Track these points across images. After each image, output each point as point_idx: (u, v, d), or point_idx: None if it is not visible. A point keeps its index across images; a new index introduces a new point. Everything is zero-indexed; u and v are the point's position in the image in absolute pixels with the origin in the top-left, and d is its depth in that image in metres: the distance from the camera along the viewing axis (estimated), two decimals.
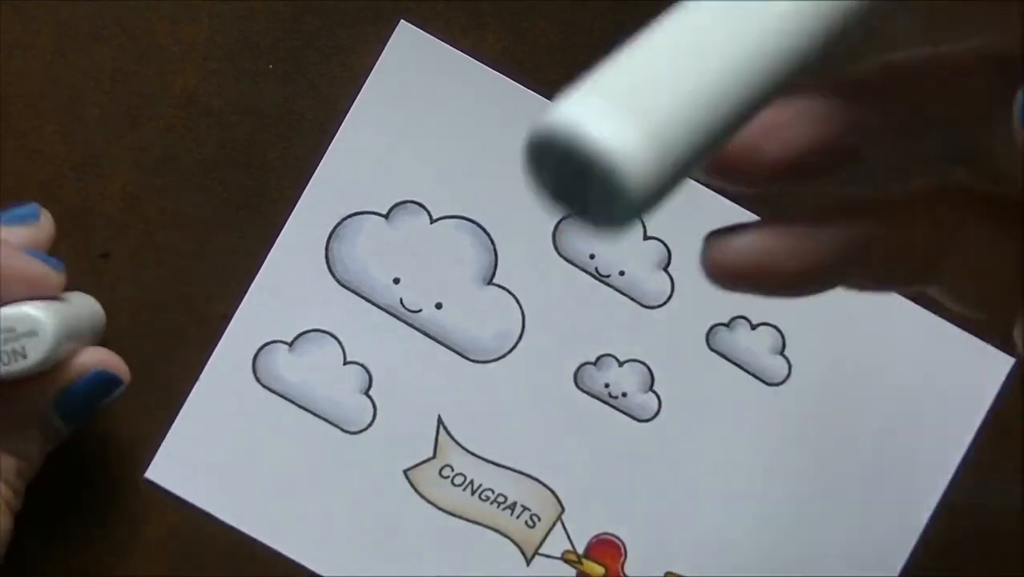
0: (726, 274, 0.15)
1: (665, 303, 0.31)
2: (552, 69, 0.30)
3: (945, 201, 0.15)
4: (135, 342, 0.29)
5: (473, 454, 0.30)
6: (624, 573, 0.30)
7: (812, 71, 0.13)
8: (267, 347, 0.30)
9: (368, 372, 0.30)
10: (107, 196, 0.30)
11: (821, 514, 0.31)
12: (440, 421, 0.30)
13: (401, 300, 0.30)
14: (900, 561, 0.31)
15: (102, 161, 0.30)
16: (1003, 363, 0.31)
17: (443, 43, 0.30)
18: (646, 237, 0.31)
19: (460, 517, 0.30)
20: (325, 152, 0.30)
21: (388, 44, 0.30)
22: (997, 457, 0.31)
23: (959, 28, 0.15)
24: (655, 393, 0.30)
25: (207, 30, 0.30)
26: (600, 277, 0.30)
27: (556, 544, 0.30)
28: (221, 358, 0.30)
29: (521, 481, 0.30)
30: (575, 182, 0.12)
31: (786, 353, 0.31)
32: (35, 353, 0.24)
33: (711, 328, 0.31)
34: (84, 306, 0.28)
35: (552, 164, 0.12)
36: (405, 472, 0.30)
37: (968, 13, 0.15)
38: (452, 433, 0.30)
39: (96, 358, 0.26)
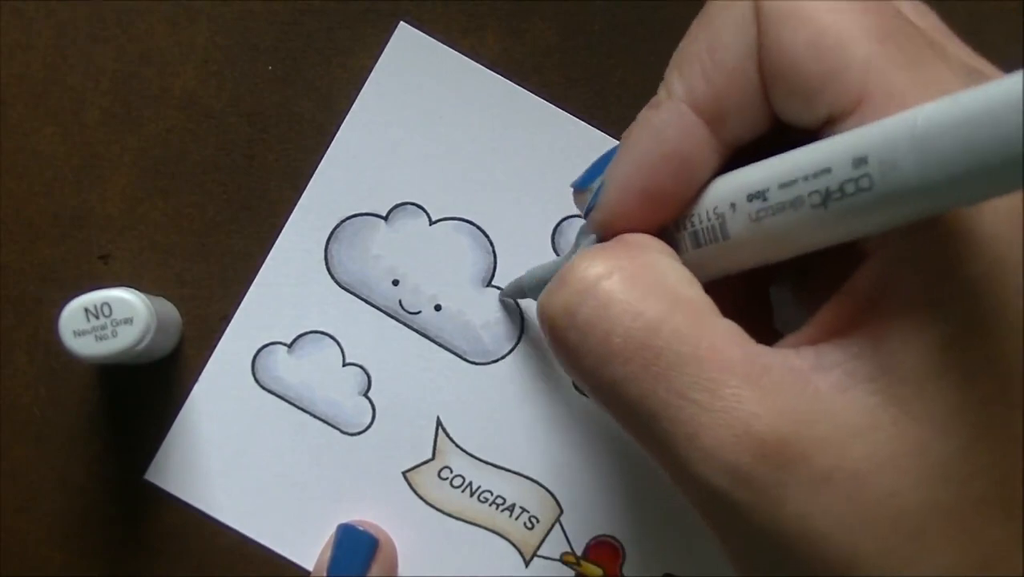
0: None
1: None
2: (551, 71, 0.30)
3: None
4: None
5: (472, 456, 0.30)
6: (622, 575, 0.30)
7: None
8: (266, 348, 0.30)
9: (367, 373, 0.30)
10: (107, 197, 0.30)
11: None
12: (439, 423, 0.30)
13: (400, 302, 0.30)
14: None
15: (102, 162, 0.30)
16: None
17: (442, 44, 0.30)
18: None
19: (459, 519, 0.30)
20: (324, 153, 0.30)
21: (387, 46, 0.30)
22: None
23: None
24: None
25: (207, 32, 0.30)
26: None
27: (555, 546, 0.30)
28: (220, 359, 0.30)
29: (520, 483, 0.30)
30: None
31: None
32: (126, 338, 0.26)
33: None
34: (171, 310, 0.29)
35: None
36: (404, 474, 0.30)
37: None
38: (451, 435, 0.30)
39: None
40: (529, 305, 0.30)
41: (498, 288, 0.30)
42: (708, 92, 0.19)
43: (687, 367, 0.17)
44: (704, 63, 0.19)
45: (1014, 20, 0.30)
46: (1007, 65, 0.16)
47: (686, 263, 0.19)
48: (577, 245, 0.23)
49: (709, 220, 0.19)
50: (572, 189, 0.23)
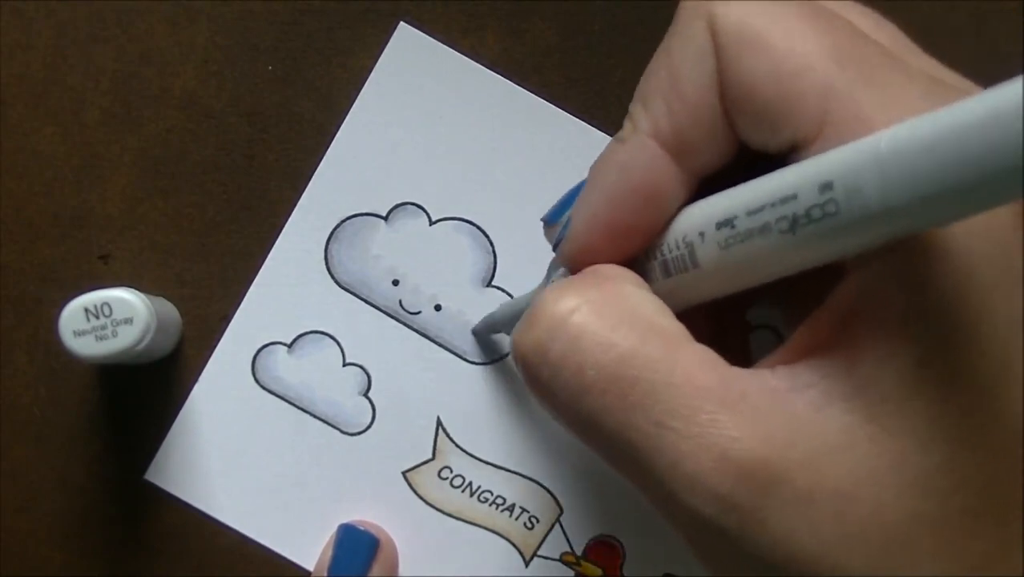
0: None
1: None
2: (551, 71, 0.30)
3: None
4: None
5: (472, 456, 0.30)
6: (622, 575, 0.30)
7: None
8: (266, 348, 0.30)
9: (367, 373, 0.30)
10: (107, 197, 0.30)
11: None
12: (439, 423, 0.30)
13: (400, 302, 0.30)
14: None
15: (102, 162, 0.30)
16: None
17: (442, 45, 0.30)
18: None
19: (459, 519, 0.30)
20: (324, 153, 0.30)
21: (387, 46, 0.30)
22: None
23: None
24: None
25: (207, 32, 0.30)
26: None
27: (554, 546, 0.30)
28: (220, 359, 0.30)
29: (520, 483, 0.30)
30: None
31: None
32: (126, 338, 0.26)
33: None
34: (171, 310, 0.29)
35: None
36: (404, 474, 0.30)
37: None
38: (451, 435, 0.30)
39: None
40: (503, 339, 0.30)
41: (498, 288, 0.30)
42: (672, 125, 0.19)
43: (662, 395, 0.17)
44: (667, 96, 0.19)
45: (1014, 20, 0.30)
46: (1007, 65, 0.16)
47: (657, 292, 0.19)
48: (548, 278, 0.23)
49: (679, 249, 0.19)
50: (542, 223, 0.23)
